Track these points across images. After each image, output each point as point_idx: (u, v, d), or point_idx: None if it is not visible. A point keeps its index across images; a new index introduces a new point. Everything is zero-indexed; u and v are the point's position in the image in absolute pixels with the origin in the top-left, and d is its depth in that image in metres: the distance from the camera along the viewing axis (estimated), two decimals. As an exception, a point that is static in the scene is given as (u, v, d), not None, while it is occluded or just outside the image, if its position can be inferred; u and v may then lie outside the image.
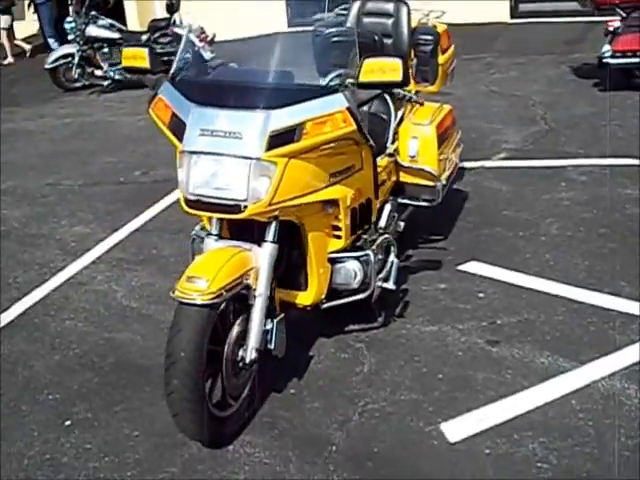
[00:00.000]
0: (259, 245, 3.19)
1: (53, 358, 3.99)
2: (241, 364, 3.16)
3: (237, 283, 3.03)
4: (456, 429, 3.18)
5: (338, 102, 3.06)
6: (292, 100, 3.05)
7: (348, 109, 3.05)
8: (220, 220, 3.26)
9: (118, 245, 5.36)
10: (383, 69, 3.05)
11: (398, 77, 3.03)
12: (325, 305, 3.60)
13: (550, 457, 2.96)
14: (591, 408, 3.21)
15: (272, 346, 3.21)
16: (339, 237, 3.52)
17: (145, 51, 3.40)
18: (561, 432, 3.09)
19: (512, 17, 11.66)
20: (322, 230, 3.44)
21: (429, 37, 4.56)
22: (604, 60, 7.43)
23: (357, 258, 3.57)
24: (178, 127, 3.15)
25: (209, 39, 10.24)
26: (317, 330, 3.94)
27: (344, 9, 4.87)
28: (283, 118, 3.02)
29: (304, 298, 3.52)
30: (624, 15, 7.35)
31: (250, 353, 3.13)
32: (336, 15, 4.87)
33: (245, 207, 3.02)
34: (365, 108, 3.98)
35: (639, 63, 7.37)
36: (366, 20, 4.65)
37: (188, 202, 3.13)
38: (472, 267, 4.49)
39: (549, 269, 4.39)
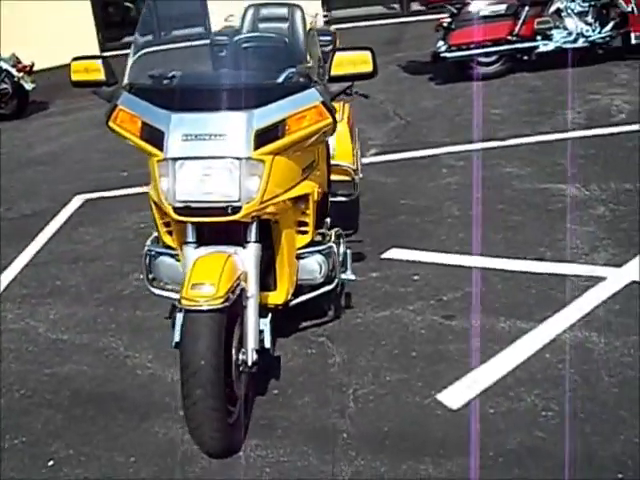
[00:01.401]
0: (242, 247, 3.18)
1: (-2, 403, 3.73)
2: (242, 367, 3.14)
3: (237, 286, 3.02)
4: (452, 397, 3.32)
5: (313, 97, 3.12)
6: (270, 98, 3.08)
7: (323, 103, 3.12)
8: (195, 227, 3.21)
9: (14, 282, 5.05)
10: (354, 61, 3.14)
11: (369, 68, 3.15)
12: (293, 302, 3.63)
13: (551, 405, 3.19)
14: (566, 358, 3.47)
15: (268, 345, 3.22)
16: (305, 232, 3.57)
17: (99, 62, 3.24)
18: (550, 382, 3.33)
19: (325, 24, 12.08)
20: (292, 227, 3.48)
21: (327, 38, 4.71)
22: (441, 55, 7.95)
23: (320, 252, 3.62)
24: (154, 136, 3.07)
25: (28, 68, 9.84)
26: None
27: (230, 18, 4.90)
28: (266, 116, 3.04)
29: (275, 297, 3.53)
30: (455, 11, 7.90)
31: (251, 355, 3.11)
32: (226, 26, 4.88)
33: (239, 208, 3.01)
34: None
35: (473, 55, 7.96)
36: (262, 25, 4.70)
37: (176, 210, 3.06)
38: (395, 254, 4.68)
39: (468, 246, 4.65)
